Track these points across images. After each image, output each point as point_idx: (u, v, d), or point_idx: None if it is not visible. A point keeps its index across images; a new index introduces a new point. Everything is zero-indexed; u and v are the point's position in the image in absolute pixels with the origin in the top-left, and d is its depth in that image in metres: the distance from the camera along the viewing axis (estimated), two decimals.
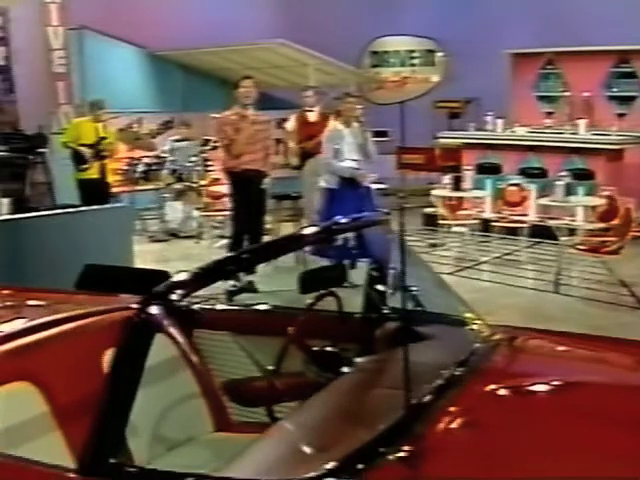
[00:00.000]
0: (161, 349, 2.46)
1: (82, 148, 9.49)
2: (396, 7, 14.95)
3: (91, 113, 9.72)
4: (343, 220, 3.13)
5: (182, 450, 3.12)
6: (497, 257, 9.43)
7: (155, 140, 12.02)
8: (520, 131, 11.32)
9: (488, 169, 11.07)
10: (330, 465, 2.04)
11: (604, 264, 7.68)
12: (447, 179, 9.98)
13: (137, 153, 11.53)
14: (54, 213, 7.41)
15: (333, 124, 8.02)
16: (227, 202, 8.82)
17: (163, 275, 2.40)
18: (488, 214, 10.38)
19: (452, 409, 2.39)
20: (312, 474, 2.02)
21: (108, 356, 2.64)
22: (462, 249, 9.44)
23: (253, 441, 2.33)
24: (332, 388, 2.64)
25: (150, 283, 2.34)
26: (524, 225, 9.73)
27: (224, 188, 9.17)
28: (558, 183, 9.07)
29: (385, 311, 3.14)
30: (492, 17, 13.58)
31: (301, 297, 3.00)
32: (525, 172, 10.72)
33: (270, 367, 2.92)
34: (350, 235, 5.07)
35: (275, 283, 7.09)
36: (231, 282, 7.18)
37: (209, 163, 11.08)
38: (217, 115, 8.26)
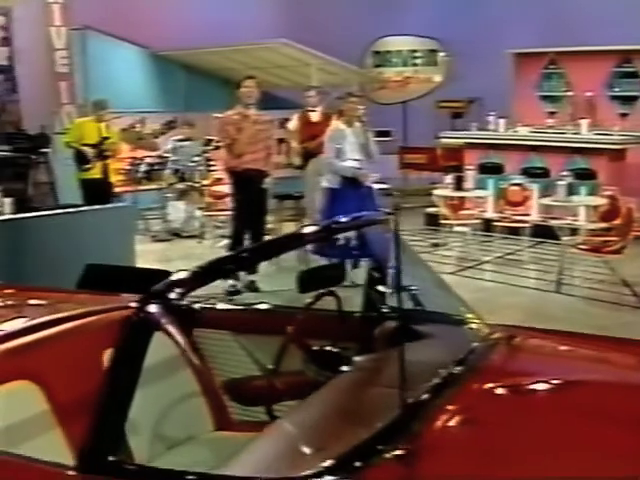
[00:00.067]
0: (161, 348, 2.47)
1: (85, 148, 9.51)
2: (399, 7, 14.95)
3: (94, 113, 9.74)
4: (343, 219, 3.13)
5: (182, 449, 3.12)
6: (499, 257, 9.43)
7: (158, 140, 12.02)
8: (522, 131, 11.32)
9: (490, 169, 11.07)
10: (328, 463, 2.05)
11: (606, 264, 7.69)
12: (449, 179, 9.97)
13: (140, 153, 11.57)
14: (56, 213, 7.41)
15: (335, 124, 8.03)
16: (229, 202, 8.83)
17: (164, 275, 2.41)
18: (490, 214, 10.38)
19: (450, 408, 2.40)
20: (310, 472, 2.03)
21: (108, 355, 2.65)
22: (464, 249, 9.44)
23: (252, 439, 2.34)
24: (330, 387, 2.65)
25: (151, 283, 2.35)
26: (526, 225, 9.73)
27: (226, 188, 9.18)
28: (560, 183, 9.07)
29: (384, 310, 3.15)
30: (495, 17, 13.58)
31: (302, 297, 3.01)
32: (527, 172, 10.71)
33: (270, 366, 2.93)
34: (352, 235, 5.08)
35: (277, 283, 7.11)
36: (230, 282, 7.20)
37: (212, 163, 11.09)
38: (219, 115, 8.27)
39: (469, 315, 3.08)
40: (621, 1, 11.97)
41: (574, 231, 8.85)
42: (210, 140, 11.12)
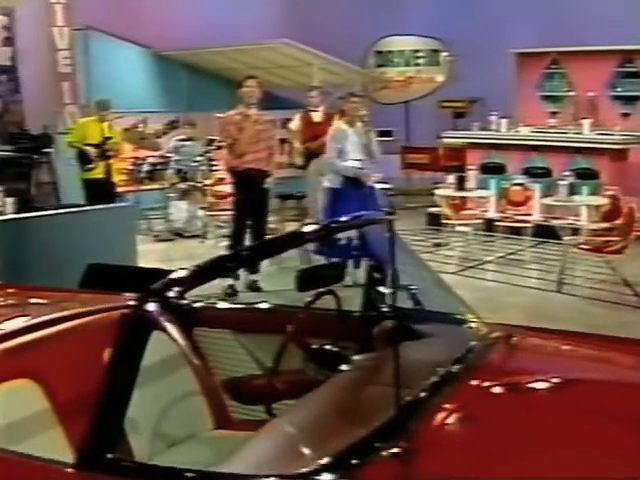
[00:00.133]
0: (162, 347, 2.48)
1: (87, 148, 9.53)
2: (401, 7, 14.97)
3: (96, 113, 9.76)
4: (343, 219, 3.14)
5: (182, 447, 3.14)
6: (501, 257, 9.43)
7: (160, 140, 12.05)
8: (524, 131, 11.31)
9: (492, 169, 11.07)
10: (325, 460, 2.06)
11: (607, 264, 7.69)
12: (451, 179, 9.98)
13: (142, 153, 11.59)
14: (58, 213, 7.43)
15: (337, 124, 8.04)
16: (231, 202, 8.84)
17: (166, 274, 2.42)
18: (492, 214, 10.38)
19: (448, 406, 2.40)
20: (307, 469, 2.04)
21: (108, 354, 2.66)
22: (466, 249, 9.44)
23: (249, 437, 2.35)
24: (328, 385, 2.66)
25: (153, 282, 2.36)
26: (528, 225, 9.73)
27: (229, 188, 9.19)
28: (562, 183, 9.08)
29: (383, 309, 3.15)
30: (497, 17, 13.58)
31: (304, 296, 3.02)
32: (529, 172, 10.72)
33: (269, 365, 2.94)
34: (354, 234, 5.09)
35: (278, 283, 7.12)
36: (229, 282, 7.21)
37: (214, 163, 11.10)
38: (221, 115, 8.29)
39: (468, 314, 3.08)
40: (624, 1, 11.96)
41: (576, 231, 8.86)
42: (212, 140, 11.15)
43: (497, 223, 10.27)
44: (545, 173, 10.59)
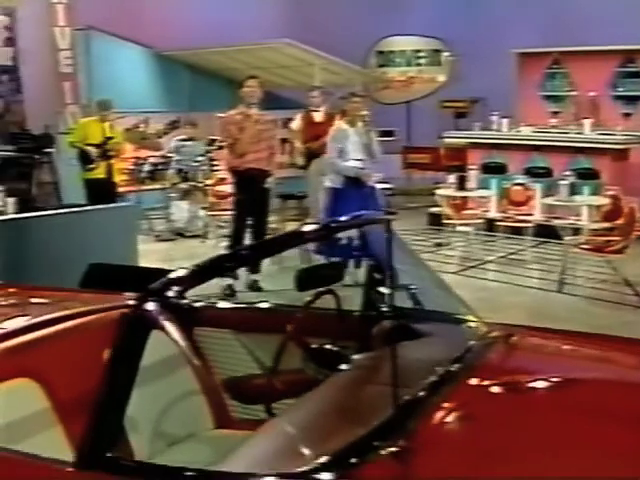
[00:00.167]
0: (162, 346, 2.48)
1: (89, 148, 9.54)
2: (402, 7, 14.96)
3: (98, 113, 9.77)
4: (342, 218, 3.15)
5: (182, 446, 3.14)
6: (502, 256, 9.43)
7: (161, 140, 12.07)
8: (525, 131, 11.32)
9: (493, 169, 11.08)
10: (324, 459, 2.06)
11: (608, 263, 7.70)
12: (452, 179, 9.99)
13: (143, 153, 11.60)
14: (59, 212, 7.44)
15: (338, 124, 8.05)
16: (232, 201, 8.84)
17: (167, 274, 2.42)
18: (493, 214, 10.39)
19: (446, 405, 2.40)
20: (306, 468, 2.04)
21: (108, 353, 2.67)
22: (467, 248, 9.45)
23: (249, 436, 2.35)
24: (328, 384, 2.66)
25: (154, 282, 2.36)
26: (529, 225, 9.73)
27: (230, 187, 9.20)
28: (563, 183, 9.08)
29: (383, 309, 3.16)
30: (498, 17, 13.59)
31: (304, 296, 3.02)
32: (530, 172, 10.72)
33: (269, 364, 2.94)
34: (354, 234, 5.09)
35: (279, 282, 7.13)
36: (228, 282, 7.21)
37: (215, 163, 11.11)
38: (222, 115, 8.30)
39: (467, 314, 3.08)
40: (625, 1, 11.96)
41: (577, 231, 8.86)
42: (213, 140, 11.16)
43: (498, 223, 10.27)
44: (546, 173, 10.59)
